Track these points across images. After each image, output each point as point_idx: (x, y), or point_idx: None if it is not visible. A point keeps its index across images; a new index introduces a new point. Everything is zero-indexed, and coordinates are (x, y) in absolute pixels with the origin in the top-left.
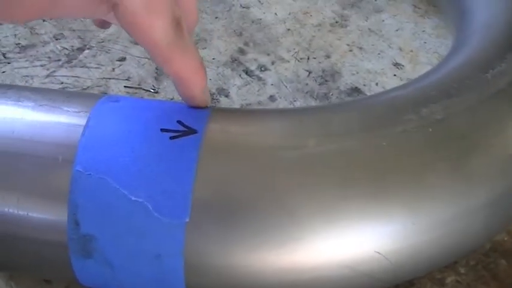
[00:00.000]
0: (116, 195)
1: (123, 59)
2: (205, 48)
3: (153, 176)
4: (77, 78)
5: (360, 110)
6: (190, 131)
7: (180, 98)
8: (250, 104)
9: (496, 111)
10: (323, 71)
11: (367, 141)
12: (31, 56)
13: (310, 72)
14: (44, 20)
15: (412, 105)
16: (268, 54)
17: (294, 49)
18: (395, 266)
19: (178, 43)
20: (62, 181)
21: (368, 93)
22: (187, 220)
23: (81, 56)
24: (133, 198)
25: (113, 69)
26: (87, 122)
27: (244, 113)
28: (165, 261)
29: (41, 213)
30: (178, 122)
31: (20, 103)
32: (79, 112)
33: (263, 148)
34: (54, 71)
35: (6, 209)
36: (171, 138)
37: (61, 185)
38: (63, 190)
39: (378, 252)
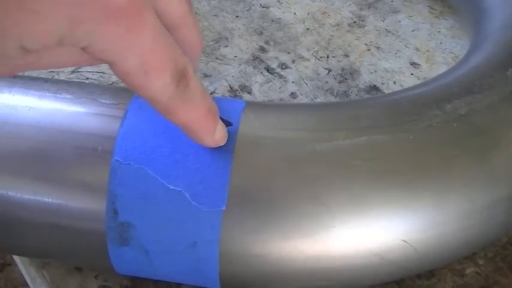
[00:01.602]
0: (154, 185)
1: None
2: (227, 46)
3: (191, 166)
4: (102, 74)
5: (387, 105)
6: (226, 123)
7: None
8: (272, 101)
9: None
10: (342, 69)
11: (395, 135)
12: None
13: (329, 71)
14: None
15: (437, 101)
16: (289, 53)
17: (314, 48)
18: (420, 255)
19: (182, 95)
20: (101, 171)
21: (386, 91)
22: (223, 209)
23: None
24: (171, 187)
25: None
26: (125, 113)
27: (277, 106)
28: (201, 248)
29: (80, 203)
30: None
31: (59, 95)
32: (117, 104)
33: (296, 140)
34: (79, 67)
35: (46, 199)
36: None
37: (100, 175)
38: (102, 180)
39: (405, 241)
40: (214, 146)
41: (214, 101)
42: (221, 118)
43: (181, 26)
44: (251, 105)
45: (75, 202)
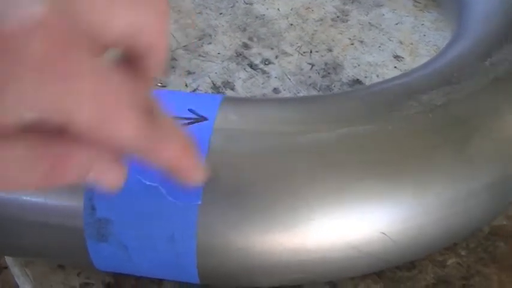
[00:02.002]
0: (131, 180)
1: None
2: (211, 43)
3: None
4: None
5: (365, 97)
6: (202, 118)
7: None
8: (255, 96)
9: (494, 97)
10: (325, 64)
11: (374, 126)
12: None
13: (313, 65)
14: None
15: (414, 92)
16: (272, 49)
17: (297, 43)
18: (399, 247)
19: (155, 133)
20: None
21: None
22: (199, 203)
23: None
24: (147, 183)
25: None
26: None
27: (255, 100)
28: (178, 243)
29: (58, 200)
30: (190, 110)
31: None
32: None
33: (274, 133)
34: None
35: (24, 197)
36: (183, 125)
37: None
38: None
39: (384, 233)
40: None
41: (193, 96)
42: (196, 113)
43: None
44: (229, 99)
45: (54, 199)
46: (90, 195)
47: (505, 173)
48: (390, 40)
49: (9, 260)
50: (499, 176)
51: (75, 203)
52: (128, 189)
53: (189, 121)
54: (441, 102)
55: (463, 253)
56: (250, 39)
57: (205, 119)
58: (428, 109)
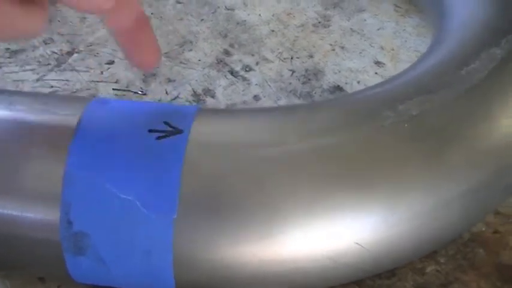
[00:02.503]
0: (107, 194)
1: (111, 62)
2: (191, 50)
3: (141, 175)
4: (66, 81)
5: (339, 108)
6: (176, 131)
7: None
8: (235, 104)
9: (470, 106)
10: (306, 70)
11: (346, 137)
12: (21, 60)
13: (293, 72)
14: None
15: (389, 102)
16: (253, 55)
17: (278, 49)
18: (375, 257)
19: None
20: (54, 181)
21: (350, 91)
22: (174, 216)
23: (70, 59)
24: (122, 196)
25: (102, 72)
26: (78, 124)
27: (228, 112)
28: (155, 256)
29: (34, 213)
30: (165, 122)
31: (12, 107)
32: (69, 115)
33: (246, 145)
34: (44, 75)
35: (0, 210)
36: (158, 138)
37: (53, 185)
38: (55, 190)
39: (358, 244)
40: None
41: (167, 107)
42: (171, 126)
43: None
44: (203, 111)
45: (30, 213)
46: (66, 209)
47: (481, 182)
48: (371, 46)
49: None
50: (474, 185)
51: (52, 216)
52: (104, 202)
53: (164, 134)
54: (417, 112)
55: (442, 260)
56: (231, 45)
57: (180, 131)
58: (404, 119)
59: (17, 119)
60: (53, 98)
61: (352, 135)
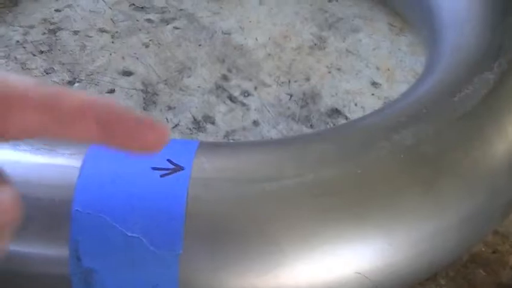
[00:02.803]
0: (114, 232)
1: (112, 91)
2: (190, 76)
3: (146, 212)
4: None
5: (336, 139)
6: (178, 168)
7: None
8: (235, 130)
9: (464, 133)
10: (304, 93)
11: (342, 170)
12: None
13: (291, 96)
14: (34, 55)
15: (385, 132)
16: (251, 80)
17: (275, 73)
18: (376, 284)
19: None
20: (63, 220)
21: (348, 114)
22: (180, 252)
23: (71, 89)
24: (129, 234)
25: None
26: (83, 164)
27: (227, 146)
28: None
29: (44, 250)
30: (168, 160)
31: (18, 147)
32: (74, 154)
33: (245, 181)
34: None
35: (12, 247)
36: (162, 176)
37: (62, 224)
38: (64, 228)
39: (359, 273)
40: None
41: (170, 144)
42: (173, 163)
43: None
44: (203, 146)
45: (40, 250)
46: (75, 246)
47: (477, 206)
48: (367, 66)
49: None
50: (471, 210)
51: (62, 253)
52: (111, 240)
53: (167, 171)
54: (412, 142)
55: (442, 282)
56: (229, 70)
57: (181, 168)
58: (400, 149)
59: (22, 159)
60: None
61: (348, 168)
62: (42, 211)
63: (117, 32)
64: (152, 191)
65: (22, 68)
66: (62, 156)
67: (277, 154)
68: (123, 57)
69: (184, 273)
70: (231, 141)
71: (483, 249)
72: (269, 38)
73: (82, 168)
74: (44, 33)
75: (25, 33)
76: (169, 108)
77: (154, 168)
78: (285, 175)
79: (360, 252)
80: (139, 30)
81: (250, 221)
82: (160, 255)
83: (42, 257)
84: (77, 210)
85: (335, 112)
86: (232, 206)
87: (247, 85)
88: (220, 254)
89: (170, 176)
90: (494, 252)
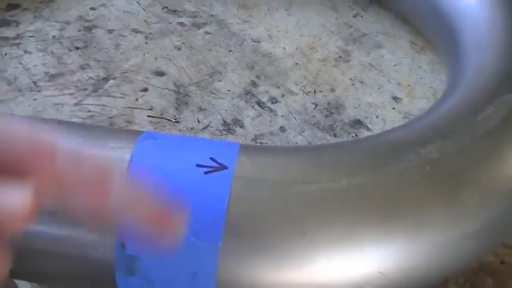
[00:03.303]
0: None
1: (145, 90)
2: (221, 80)
3: (190, 205)
4: (103, 106)
5: (366, 149)
6: (222, 166)
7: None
8: (263, 134)
9: (485, 151)
10: (328, 103)
11: (373, 178)
12: (60, 84)
13: (316, 105)
14: (70, 50)
15: (411, 146)
16: (278, 87)
17: (302, 82)
18: (395, 284)
19: None
20: (111, 209)
21: (369, 125)
22: (220, 244)
23: (106, 85)
24: None
25: (136, 99)
26: (131, 158)
27: (267, 149)
28: (200, 279)
29: (92, 235)
30: (211, 158)
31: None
32: (123, 148)
33: (285, 182)
34: (81, 100)
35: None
36: (206, 173)
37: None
38: (112, 216)
39: (381, 273)
40: None
41: (212, 144)
42: (217, 162)
43: None
44: (244, 148)
45: (88, 235)
46: (121, 234)
47: (492, 220)
48: (389, 82)
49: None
50: (485, 224)
51: (108, 240)
52: None
53: (211, 169)
54: (437, 156)
55: None
56: (258, 77)
57: (225, 167)
58: (425, 162)
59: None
60: (105, 131)
61: (378, 176)
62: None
63: (150, 33)
64: (196, 186)
65: (58, 62)
66: (112, 149)
67: (314, 159)
68: (156, 58)
69: (222, 265)
70: (268, 144)
71: (492, 259)
72: (296, 48)
73: (131, 161)
74: (80, 30)
75: (61, 29)
76: (201, 109)
77: (198, 165)
78: (320, 179)
79: (384, 254)
80: (172, 32)
81: (287, 219)
82: (200, 246)
83: (90, 241)
84: None
85: (357, 123)
86: (271, 204)
87: (275, 92)
88: (257, 248)
89: (214, 173)
90: (502, 263)
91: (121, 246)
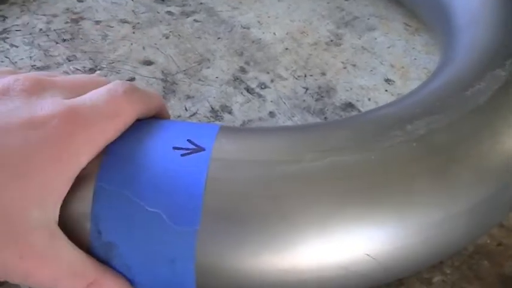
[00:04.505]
0: (135, 207)
1: (132, 79)
2: (209, 67)
3: (167, 189)
4: None
5: (351, 127)
6: (199, 148)
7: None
8: (251, 120)
9: (474, 126)
10: (319, 87)
11: (357, 156)
12: None
13: (307, 89)
14: (57, 43)
15: (398, 122)
16: (268, 73)
17: (292, 67)
18: (384, 267)
19: None
20: (87, 195)
21: (361, 108)
22: (197, 228)
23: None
24: (150, 209)
25: None
26: None
27: (248, 130)
28: (179, 265)
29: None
30: (189, 140)
31: None
32: None
33: (264, 162)
34: None
35: None
36: (182, 155)
37: (85, 199)
38: (87, 203)
39: (368, 255)
40: None
41: (191, 126)
42: (194, 144)
43: None
44: (224, 130)
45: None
46: (96, 220)
47: (485, 198)
48: (382, 64)
49: None
50: (478, 201)
51: (84, 226)
52: (132, 215)
53: (188, 151)
54: (424, 132)
55: (448, 271)
56: (247, 63)
57: (202, 149)
58: (413, 138)
59: None
60: None
61: (363, 154)
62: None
63: (138, 23)
64: (173, 169)
65: (45, 54)
66: None
67: (296, 139)
68: (143, 48)
69: (201, 249)
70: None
71: (488, 241)
72: (287, 33)
73: (107, 146)
74: (67, 22)
75: (48, 22)
76: (188, 97)
77: (175, 148)
78: (303, 158)
79: (371, 235)
80: (160, 22)
81: (268, 201)
82: (178, 230)
83: (64, 228)
84: (100, 185)
85: (349, 106)
86: (251, 186)
87: (264, 78)
88: (236, 232)
89: (191, 155)
90: (499, 244)
91: (97, 233)
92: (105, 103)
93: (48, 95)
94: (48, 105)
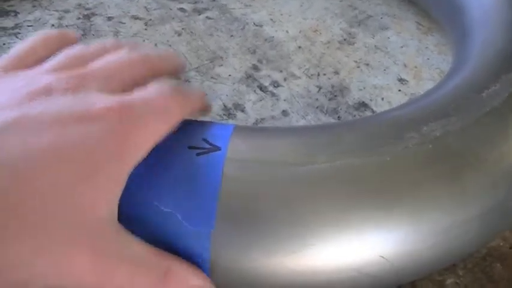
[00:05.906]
0: (150, 207)
1: None
2: (222, 65)
3: (182, 190)
4: None
5: (366, 128)
6: (215, 148)
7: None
8: (264, 119)
9: (490, 128)
10: (332, 86)
11: (371, 158)
12: None
13: (320, 88)
14: None
15: (414, 124)
16: (281, 71)
17: (305, 66)
18: (397, 269)
19: None
20: None
21: (374, 108)
22: (212, 229)
23: None
24: (164, 210)
25: None
26: None
27: (262, 130)
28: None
29: None
30: (204, 139)
31: None
32: None
33: (279, 163)
34: None
35: None
36: (197, 154)
37: None
38: None
39: (382, 257)
40: None
41: (206, 125)
42: (209, 143)
43: None
44: (238, 129)
45: None
46: None
47: (499, 201)
48: (395, 63)
49: None
50: (491, 205)
51: None
52: (147, 215)
53: (203, 150)
54: (440, 134)
55: (461, 273)
56: (260, 61)
57: (218, 148)
58: (428, 140)
59: None
60: None
61: (378, 155)
62: None
63: (150, 19)
64: (188, 170)
65: None
66: None
67: (310, 140)
68: (155, 44)
69: (215, 250)
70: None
71: (501, 243)
72: (300, 31)
73: None
74: (79, 18)
75: (60, 18)
76: None
77: (190, 147)
78: (316, 160)
79: (384, 237)
80: (172, 18)
81: (281, 202)
82: (192, 230)
83: None
84: None
85: (362, 105)
86: (265, 187)
87: (277, 76)
88: (251, 233)
89: (206, 155)
90: (511, 247)
91: None
92: (155, 102)
93: (93, 89)
94: (101, 99)
